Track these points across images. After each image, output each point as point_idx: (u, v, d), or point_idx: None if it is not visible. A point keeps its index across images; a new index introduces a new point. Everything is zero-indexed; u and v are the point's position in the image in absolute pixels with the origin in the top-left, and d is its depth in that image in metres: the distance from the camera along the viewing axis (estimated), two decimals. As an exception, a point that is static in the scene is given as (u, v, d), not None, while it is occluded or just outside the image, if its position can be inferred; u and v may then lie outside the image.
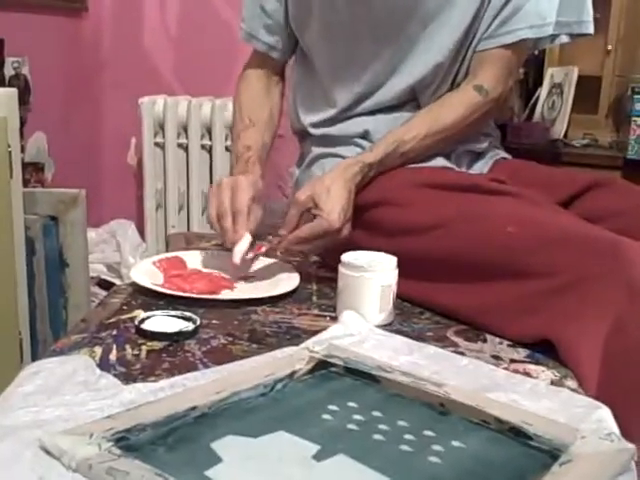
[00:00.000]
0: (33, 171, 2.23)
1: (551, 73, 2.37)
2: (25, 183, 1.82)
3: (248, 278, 1.15)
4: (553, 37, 1.21)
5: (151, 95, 2.53)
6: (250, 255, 1.12)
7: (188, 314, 0.95)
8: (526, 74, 2.37)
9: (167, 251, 1.33)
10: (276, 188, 2.58)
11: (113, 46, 2.72)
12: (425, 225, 1.05)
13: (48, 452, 0.59)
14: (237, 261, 1.09)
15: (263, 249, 1.12)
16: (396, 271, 0.99)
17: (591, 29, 1.22)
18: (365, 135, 1.25)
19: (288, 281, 1.11)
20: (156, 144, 2.54)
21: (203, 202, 2.56)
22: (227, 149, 2.50)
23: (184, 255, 1.21)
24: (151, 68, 2.69)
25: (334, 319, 0.99)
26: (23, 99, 2.05)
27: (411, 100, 1.24)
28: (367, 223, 1.12)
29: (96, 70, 2.71)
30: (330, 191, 1.06)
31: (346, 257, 0.99)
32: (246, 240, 1.10)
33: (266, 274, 1.16)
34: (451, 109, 1.18)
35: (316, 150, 1.30)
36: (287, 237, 1.07)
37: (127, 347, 0.87)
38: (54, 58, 2.46)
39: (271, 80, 1.35)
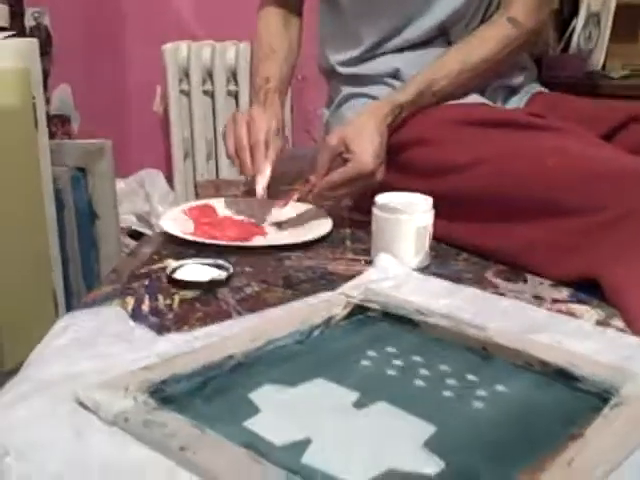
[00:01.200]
0: (59, 123, 2.22)
1: (588, 2, 2.27)
2: (52, 136, 1.81)
3: (280, 224, 1.13)
4: None
5: (174, 41, 2.48)
6: (282, 204, 1.11)
7: (220, 262, 0.93)
8: (561, 3, 2.28)
9: (196, 199, 1.31)
10: (304, 133, 2.54)
11: (133, -7, 2.67)
12: (463, 163, 1.01)
13: (84, 406, 0.58)
14: (261, 192, 1.09)
15: (295, 197, 1.10)
16: (432, 212, 0.96)
17: None
18: (395, 74, 1.20)
19: (321, 226, 1.09)
20: (181, 91, 2.51)
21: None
22: (253, 94, 2.46)
23: (214, 202, 1.19)
24: (173, 14, 2.64)
25: (369, 263, 0.97)
26: (44, 50, 2.03)
27: (441, 35, 1.19)
28: (402, 164, 1.09)
29: (117, 18, 2.66)
30: (362, 133, 1.03)
31: (380, 199, 0.96)
32: (267, 172, 1.10)
33: (298, 219, 1.13)
34: (484, 44, 1.13)
35: (345, 90, 1.26)
36: (319, 183, 1.05)
37: (159, 297, 0.85)
38: (74, 8, 2.42)
39: (289, 16, 1.32)
